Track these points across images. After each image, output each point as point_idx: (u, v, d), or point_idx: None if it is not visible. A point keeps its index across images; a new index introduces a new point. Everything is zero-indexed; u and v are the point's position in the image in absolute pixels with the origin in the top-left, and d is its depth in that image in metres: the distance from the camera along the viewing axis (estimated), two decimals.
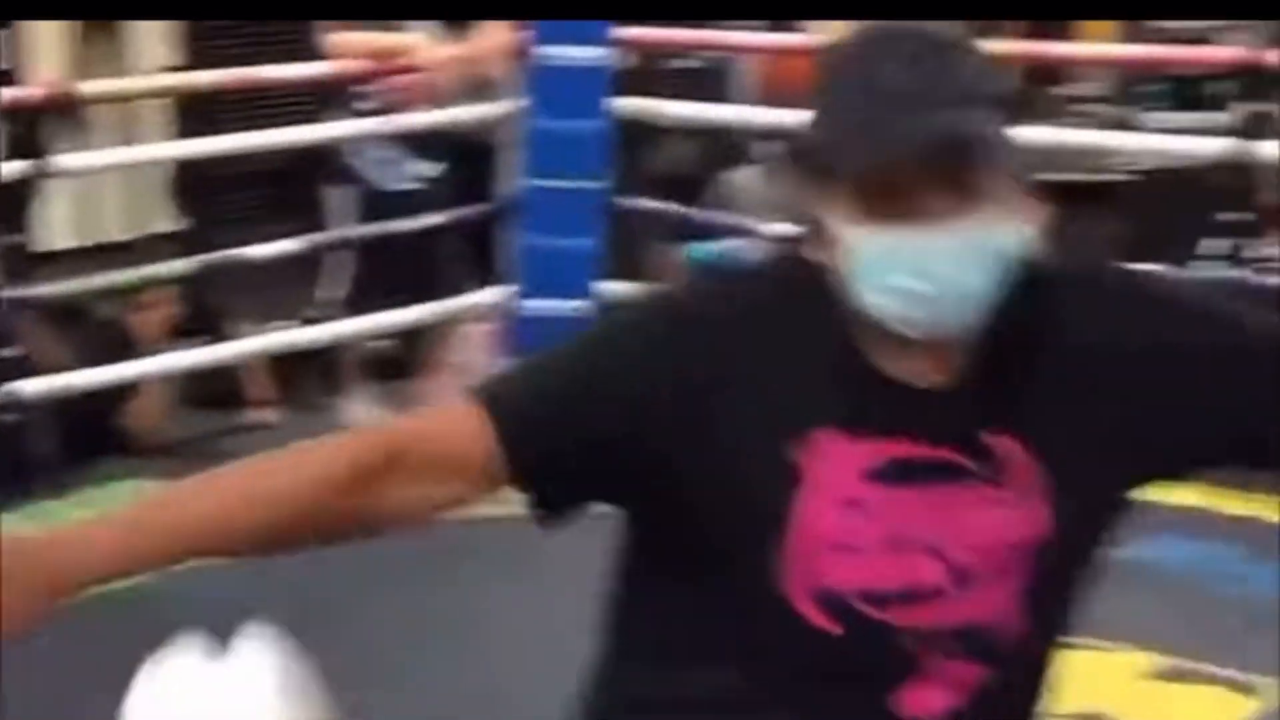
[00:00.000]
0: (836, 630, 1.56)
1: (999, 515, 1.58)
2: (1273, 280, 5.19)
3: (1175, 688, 4.01)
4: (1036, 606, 1.60)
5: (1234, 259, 5.14)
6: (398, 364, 5.96)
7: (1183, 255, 5.61)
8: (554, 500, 1.61)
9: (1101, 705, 3.94)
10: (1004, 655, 1.59)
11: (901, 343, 1.55)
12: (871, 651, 1.57)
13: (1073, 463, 1.58)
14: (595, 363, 1.62)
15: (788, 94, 8.52)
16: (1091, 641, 4.19)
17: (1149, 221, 6.36)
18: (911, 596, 1.56)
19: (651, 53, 7.02)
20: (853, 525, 1.54)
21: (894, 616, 1.56)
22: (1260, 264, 5.23)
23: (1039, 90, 9.19)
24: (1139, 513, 4.84)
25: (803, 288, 1.58)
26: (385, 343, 6.15)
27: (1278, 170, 6.03)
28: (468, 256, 5.89)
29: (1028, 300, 1.56)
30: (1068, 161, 6.73)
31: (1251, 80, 5.01)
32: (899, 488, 1.56)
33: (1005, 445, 1.58)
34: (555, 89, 5.63)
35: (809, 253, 1.56)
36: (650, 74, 7.26)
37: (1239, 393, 1.61)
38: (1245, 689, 3.94)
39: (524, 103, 5.73)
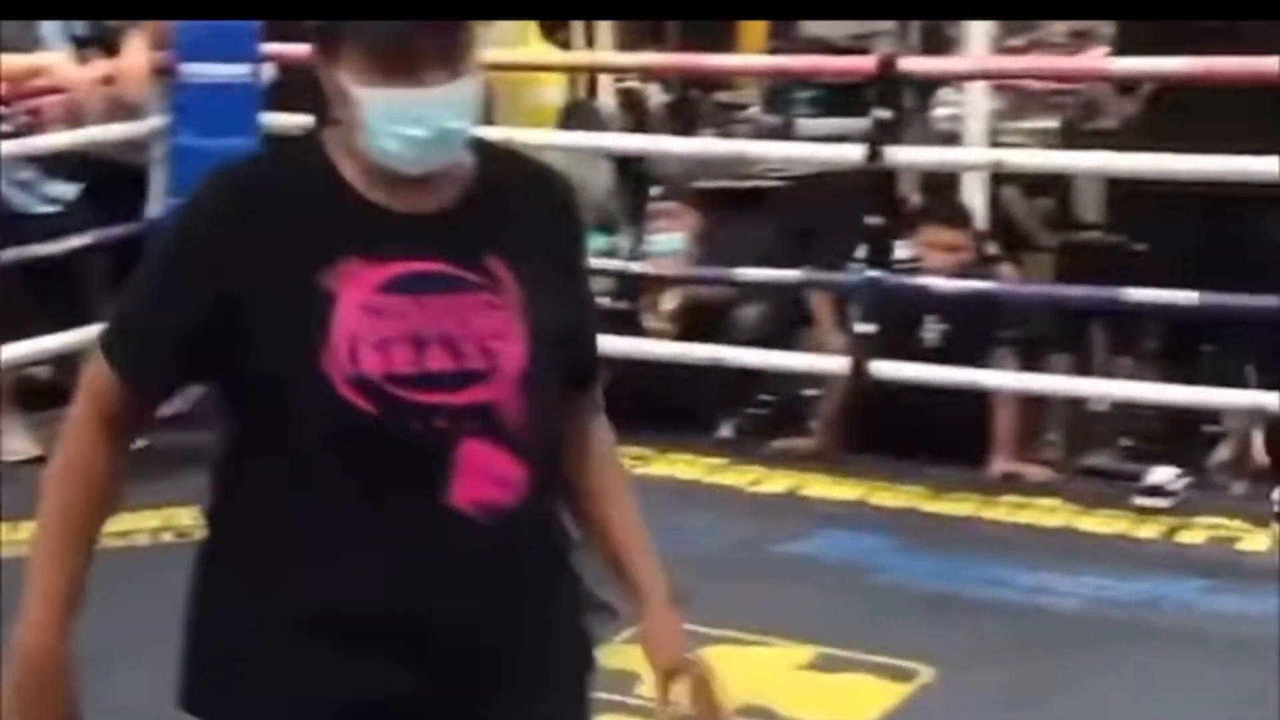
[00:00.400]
0: (372, 409, 1.91)
1: (497, 318, 1.97)
2: (911, 280, 5.37)
3: (834, 677, 4.10)
4: (530, 393, 1.98)
5: (877, 261, 5.28)
6: (51, 391, 5.76)
7: (832, 258, 5.77)
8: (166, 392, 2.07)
9: (762, 698, 4.02)
10: (513, 435, 1.97)
11: (404, 181, 1.97)
12: (404, 428, 1.93)
13: (537, 290, 2.00)
14: (166, 273, 2.01)
15: None
16: (751, 636, 4.29)
17: (800, 225, 6.53)
18: (429, 380, 1.93)
19: (305, 68, 6.94)
20: (376, 325, 1.92)
21: (417, 396, 1.92)
22: (901, 265, 5.40)
23: (700, 98, 9.37)
24: (796, 510, 4.85)
25: (313, 157, 2.00)
26: (37, 370, 5.96)
27: (916, 174, 6.27)
28: (117, 279, 5.74)
29: (496, 160, 2.06)
30: (723, 168, 6.86)
31: (885, 86, 5.17)
32: (413, 295, 1.95)
33: (496, 265, 1.99)
34: (201, 107, 5.54)
35: (328, 121, 1.98)
36: (305, 89, 7.17)
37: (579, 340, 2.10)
38: (901, 675, 4.06)
39: (167, 121, 5.62)
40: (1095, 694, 3.91)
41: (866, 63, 5.29)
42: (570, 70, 7.87)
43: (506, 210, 2.04)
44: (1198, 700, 3.95)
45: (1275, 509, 5.07)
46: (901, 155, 4.98)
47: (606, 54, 8.21)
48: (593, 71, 7.95)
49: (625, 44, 9.47)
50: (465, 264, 1.98)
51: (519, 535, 1.99)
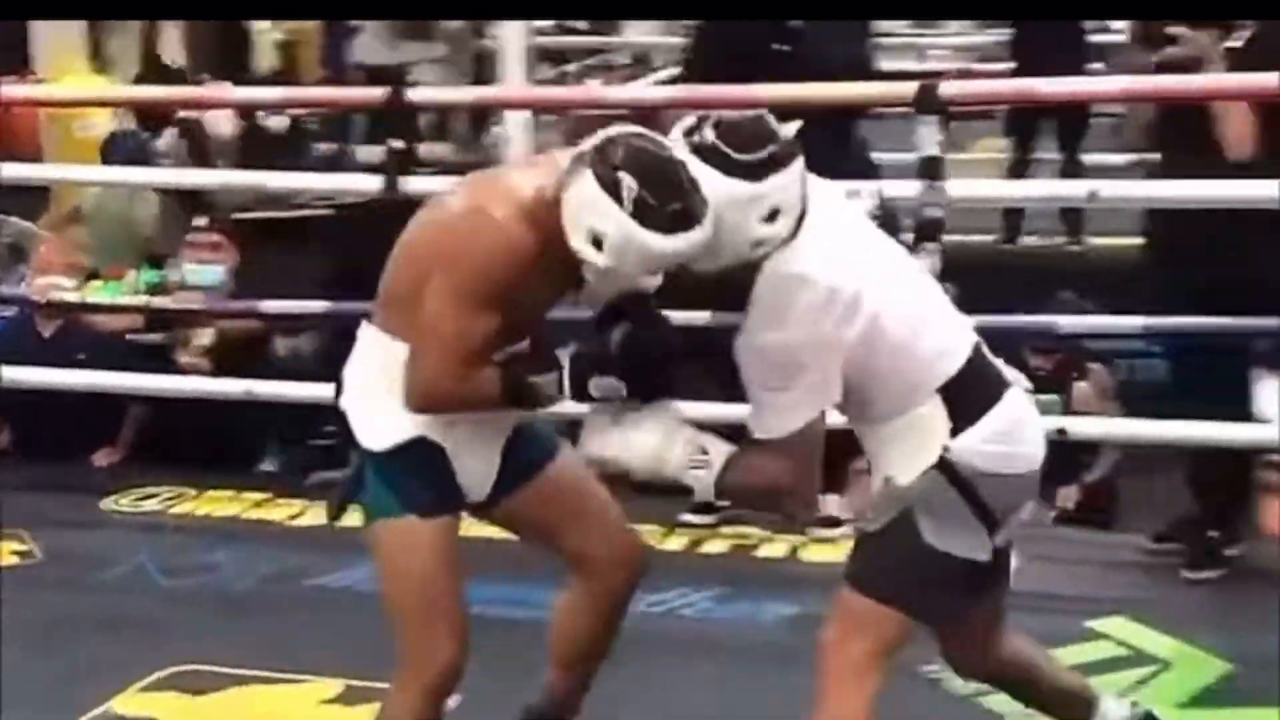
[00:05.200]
0: None
1: None
2: None
3: (359, 709, 4.08)
4: None
5: None
6: None
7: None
8: None
9: None
10: None
11: None
12: None
13: None
14: None
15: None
16: (279, 674, 4.25)
17: (345, 254, 6.48)
18: None
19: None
20: None
21: None
22: None
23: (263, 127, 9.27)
24: (335, 541, 4.74)
25: None
26: None
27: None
28: None
29: None
30: (273, 198, 6.77)
31: (397, 116, 5.20)
32: None
33: None
34: None
35: None
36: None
37: None
38: None
39: None
40: (611, 702, 3.97)
41: (375, 93, 5.30)
42: (108, 105, 7.72)
43: None
44: (708, 704, 4.08)
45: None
46: (414, 185, 4.99)
47: (139, 89, 8.01)
48: (127, 105, 7.77)
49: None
50: None
51: None
